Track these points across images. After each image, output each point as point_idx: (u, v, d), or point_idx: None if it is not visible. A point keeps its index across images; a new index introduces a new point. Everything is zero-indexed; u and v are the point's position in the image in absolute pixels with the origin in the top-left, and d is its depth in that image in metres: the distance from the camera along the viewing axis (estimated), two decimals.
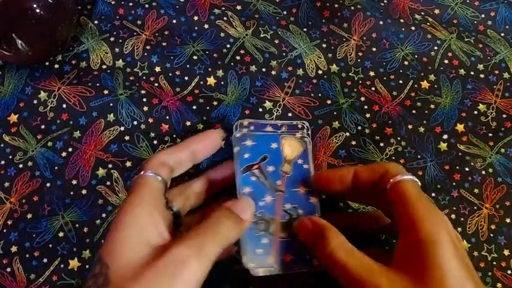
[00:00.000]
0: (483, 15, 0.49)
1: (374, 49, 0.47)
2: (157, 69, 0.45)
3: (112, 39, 0.46)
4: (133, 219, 0.29)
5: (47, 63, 0.45)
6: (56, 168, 0.42)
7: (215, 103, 0.44)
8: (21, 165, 0.42)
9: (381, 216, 0.36)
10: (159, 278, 0.26)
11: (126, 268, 0.27)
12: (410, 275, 0.27)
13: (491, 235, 0.41)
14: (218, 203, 0.34)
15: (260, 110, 0.43)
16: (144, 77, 0.45)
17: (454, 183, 0.42)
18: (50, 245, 0.39)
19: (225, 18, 0.47)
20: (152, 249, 0.28)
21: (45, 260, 0.39)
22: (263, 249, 0.35)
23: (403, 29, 0.47)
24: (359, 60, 0.46)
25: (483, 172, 0.42)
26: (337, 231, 0.31)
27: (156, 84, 0.45)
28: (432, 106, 0.44)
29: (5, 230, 0.40)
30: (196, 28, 0.47)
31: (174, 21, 0.47)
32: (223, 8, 0.48)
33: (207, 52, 0.46)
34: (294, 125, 0.40)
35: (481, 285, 0.27)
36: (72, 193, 0.41)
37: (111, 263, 0.27)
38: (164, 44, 0.46)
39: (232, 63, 0.46)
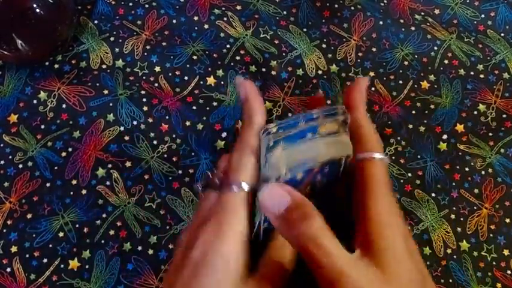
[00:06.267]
0: (483, 15, 0.49)
1: (374, 49, 0.47)
2: (157, 69, 0.45)
3: (112, 39, 0.46)
4: (218, 262, 0.25)
5: (47, 63, 0.45)
6: (56, 168, 0.42)
7: (215, 103, 0.44)
8: (21, 165, 0.42)
9: None
10: None
11: None
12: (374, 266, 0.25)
13: (491, 235, 0.41)
14: None
15: None
16: (144, 77, 0.45)
17: (454, 183, 0.42)
18: (50, 245, 0.40)
19: (225, 19, 0.47)
20: None
21: (45, 260, 0.39)
22: None
23: (403, 29, 0.47)
24: (359, 60, 0.46)
25: (483, 172, 0.42)
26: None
27: (156, 84, 0.45)
28: (432, 106, 0.44)
29: (5, 230, 0.40)
30: (196, 28, 0.47)
31: (174, 21, 0.47)
32: (223, 8, 0.48)
33: (207, 52, 0.46)
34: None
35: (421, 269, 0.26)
36: (72, 193, 0.41)
37: None
38: (164, 44, 0.46)
39: (232, 63, 0.46)
